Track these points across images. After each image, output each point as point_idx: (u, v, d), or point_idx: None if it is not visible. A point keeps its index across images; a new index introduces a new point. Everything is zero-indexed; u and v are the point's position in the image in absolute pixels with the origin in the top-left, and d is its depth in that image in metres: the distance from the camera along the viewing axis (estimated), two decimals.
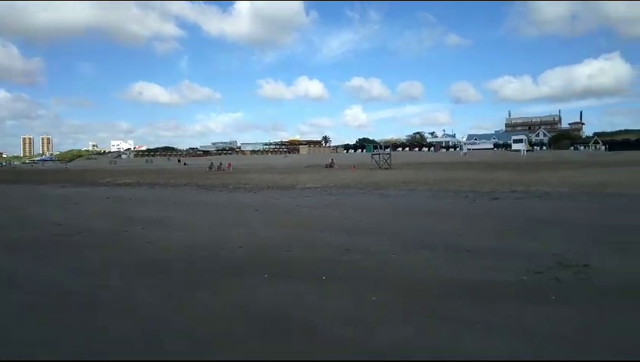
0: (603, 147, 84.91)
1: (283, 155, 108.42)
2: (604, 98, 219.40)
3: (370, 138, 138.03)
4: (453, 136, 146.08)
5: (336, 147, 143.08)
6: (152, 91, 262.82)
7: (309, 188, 19.92)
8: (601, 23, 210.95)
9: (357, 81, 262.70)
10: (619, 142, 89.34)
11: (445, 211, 12.05)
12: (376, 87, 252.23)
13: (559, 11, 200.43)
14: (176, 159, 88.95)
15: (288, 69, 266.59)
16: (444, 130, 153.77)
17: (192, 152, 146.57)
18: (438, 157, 62.84)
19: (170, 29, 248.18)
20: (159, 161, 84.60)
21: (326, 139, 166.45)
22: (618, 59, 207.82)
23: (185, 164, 64.00)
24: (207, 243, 8.45)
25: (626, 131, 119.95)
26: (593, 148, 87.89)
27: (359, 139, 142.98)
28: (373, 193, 16.97)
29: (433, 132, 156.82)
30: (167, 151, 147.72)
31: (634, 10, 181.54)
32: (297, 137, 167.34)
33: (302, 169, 37.80)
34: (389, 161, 37.02)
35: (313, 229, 9.66)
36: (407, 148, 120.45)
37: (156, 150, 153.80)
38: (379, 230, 9.32)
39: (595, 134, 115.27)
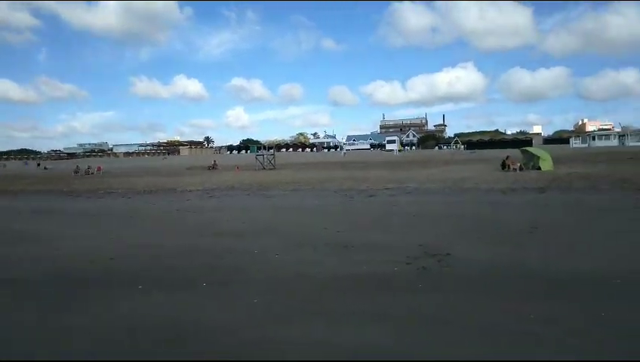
0: (462, 146, 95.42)
1: (162, 157, 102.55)
2: (461, 103, 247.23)
3: (254, 139, 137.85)
4: (334, 136, 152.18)
5: (220, 148, 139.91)
6: (1, 87, 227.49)
7: (190, 191, 19.15)
8: (457, 36, 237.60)
9: (238, 82, 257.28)
10: (475, 142, 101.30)
11: (326, 209, 12.47)
12: (257, 88, 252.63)
13: (421, 23, 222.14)
14: (35, 163, 79.08)
15: (164, 67, 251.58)
16: (325, 131, 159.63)
17: (55, 155, 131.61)
18: (321, 158, 64.96)
19: (23, 18, 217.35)
20: (14, 165, 74.45)
21: (208, 140, 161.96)
22: (472, 69, 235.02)
23: (46, 168, 57.05)
24: (73, 256, 7.63)
25: (481, 132, 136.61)
26: (454, 147, 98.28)
27: (243, 140, 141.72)
28: (257, 194, 16.92)
29: (315, 133, 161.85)
30: (24, 154, 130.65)
31: (484, 25, 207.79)
32: (177, 138, 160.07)
33: (182, 171, 36.17)
34: (273, 161, 37.22)
35: (193, 234, 9.31)
36: (290, 149, 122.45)
37: (9, 153, 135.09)
38: (262, 231, 9.30)
39: (456, 135, 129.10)
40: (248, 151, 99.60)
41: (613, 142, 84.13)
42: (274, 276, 6.02)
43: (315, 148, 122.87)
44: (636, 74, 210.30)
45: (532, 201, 12.41)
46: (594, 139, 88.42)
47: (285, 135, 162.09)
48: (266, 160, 37.34)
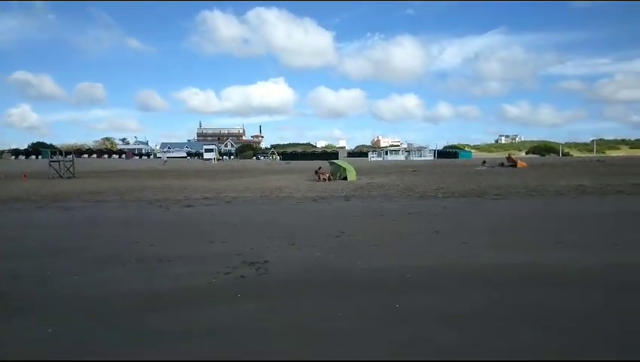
0: (278, 157, 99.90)
1: None
2: (276, 115, 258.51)
3: (48, 143, 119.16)
4: (146, 143, 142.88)
5: (1, 152, 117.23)
6: None
7: None
8: (268, 50, 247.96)
9: (22, 75, 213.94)
10: (289, 153, 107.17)
11: (138, 222, 11.54)
12: (48, 84, 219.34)
13: (232, 34, 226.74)
14: None
15: None
16: (136, 137, 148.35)
17: None
18: (133, 165, 59.98)
19: None
20: None
21: None
22: (283, 84, 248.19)
23: None
24: None
25: (295, 144, 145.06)
26: (271, 158, 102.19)
27: (33, 144, 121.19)
28: (52, 206, 14.68)
29: (124, 138, 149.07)
30: None
31: (292, 43, 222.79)
32: None
33: None
34: (72, 169, 32.85)
35: None
36: (94, 155, 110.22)
37: None
38: (59, 248, 8.09)
39: (272, 146, 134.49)
40: (40, 156, 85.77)
41: (402, 156, 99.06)
42: (73, 300, 5.28)
43: (124, 155, 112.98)
44: (415, 100, 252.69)
45: (339, 208, 13.65)
46: (387, 153, 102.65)
47: (87, 139, 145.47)
48: (63, 167, 32.77)
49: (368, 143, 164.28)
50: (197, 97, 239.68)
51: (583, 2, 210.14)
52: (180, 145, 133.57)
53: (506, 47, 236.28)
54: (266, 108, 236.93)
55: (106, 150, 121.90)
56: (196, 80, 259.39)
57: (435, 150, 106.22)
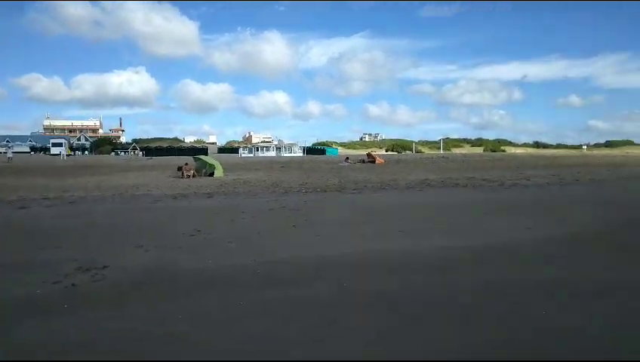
0: (141, 152, 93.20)
1: None
2: (136, 108, 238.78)
3: None
4: None
5: None
6: None
7: None
8: (125, 36, 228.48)
9: None
10: (154, 148, 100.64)
11: None
12: None
13: (81, 14, 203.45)
14: None
15: None
16: None
17: None
18: None
19: None
20: None
21: None
22: (144, 74, 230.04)
23: None
24: None
25: (161, 139, 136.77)
26: (132, 153, 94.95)
27: None
28: None
29: None
30: None
31: (152, 29, 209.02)
32: None
33: None
34: None
35: None
36: None
37: None
38: None
39: (134, 140, 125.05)
40: None
41: (273, 152, 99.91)
42: None
43: None
44: (285, 97, 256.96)
45: (200, 206, 13.16)
46: (258, 150, 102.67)
47: None
48: None
49: (240, 139, 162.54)
50: (40, 84, 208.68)
51: (433, 11, 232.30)
52: (22, 139, 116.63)
53: (367, 50, 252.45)
54: (125, 100, 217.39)
55: None
56: (39, 65, 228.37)
57: (304, 147, 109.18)
